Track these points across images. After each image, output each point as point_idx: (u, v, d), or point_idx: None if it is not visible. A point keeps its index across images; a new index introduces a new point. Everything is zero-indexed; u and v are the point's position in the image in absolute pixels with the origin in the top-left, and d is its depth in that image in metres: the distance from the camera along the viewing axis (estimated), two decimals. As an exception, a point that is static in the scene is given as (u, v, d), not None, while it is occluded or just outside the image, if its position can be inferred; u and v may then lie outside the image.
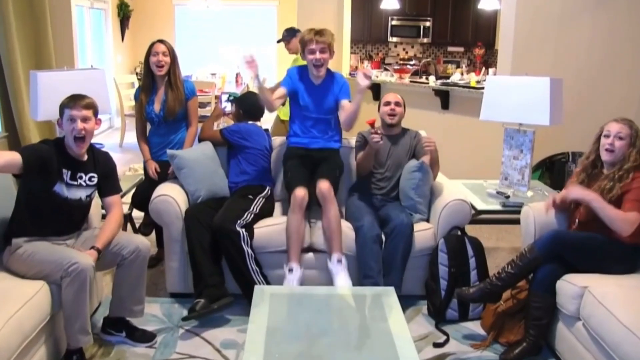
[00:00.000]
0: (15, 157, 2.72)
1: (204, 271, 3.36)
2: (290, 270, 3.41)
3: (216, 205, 3.58)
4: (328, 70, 3.84)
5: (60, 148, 2.92)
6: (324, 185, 3.51)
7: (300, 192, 3.48)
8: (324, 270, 3.57)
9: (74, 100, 2.90)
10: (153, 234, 4.20)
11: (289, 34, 5.72)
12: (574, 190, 3.09)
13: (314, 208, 3.63)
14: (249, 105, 4.03)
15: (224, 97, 4.27)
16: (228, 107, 4.16)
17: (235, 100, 4.19)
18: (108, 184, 3.13)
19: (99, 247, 2.90)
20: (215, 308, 3.28)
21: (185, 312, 3.37)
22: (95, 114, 2.97)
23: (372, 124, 3.52)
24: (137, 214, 4.21)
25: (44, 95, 3.72)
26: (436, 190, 3.79)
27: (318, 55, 3.67)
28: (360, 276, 3.44)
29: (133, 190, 4.17)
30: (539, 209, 3.38)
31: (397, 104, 3.86)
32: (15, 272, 2.81)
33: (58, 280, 2.70)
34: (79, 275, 2.66)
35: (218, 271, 3.42)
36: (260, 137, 3.93)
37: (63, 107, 2.92)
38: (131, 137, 8.38)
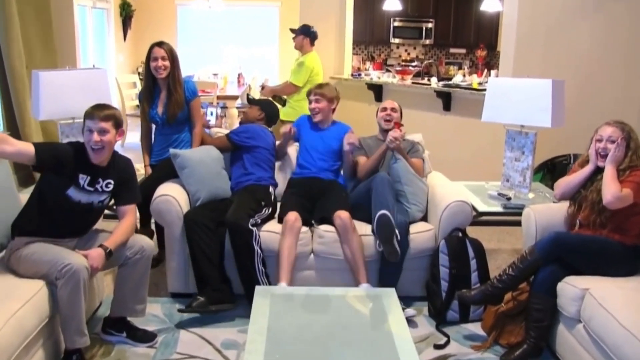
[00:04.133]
0: (28, 148, 2.73)
1: (208, 276, 3.38)
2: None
3: (216, 207, 3.58)
4: (336, 121, 4.13)
5: (81, 153, 2.91)
6: (343, 215, 3.49)
7: (291, 217, 3.48)
8: (323, 272, 3.58)
9: (94, 111, 2.88)
10: (154, 236, 4.19)
11: (300, 30, 5.64)
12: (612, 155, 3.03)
13: (316, 216, 3.62)
14: (272, 112, 4.25)
15: (209, 111, 4.28)
16: (212, 120, 4.21)
17: (258, 102, 4.31)
18: (126, 192, 3.08)
19: (110, 246, 2.87)
20: (212, 310, 3.31)
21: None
22: (117, 125, 2.93)
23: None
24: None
25: (46, 95, 3.72)
26: (437, 192, 3.78)
27: (313, 105, 4.02)
28: (376, 209, 3.39)
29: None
30: (540, 211, 3.38)
31: (392, 109, 4.01)
32: (15, 273, 2.81)
33: (54, 281, 2.69)
34: (73, 277, 2.65)
35: (223, 276, 3.43)
36: (267, 136, 4.00)
37: (85, 116, 2.90)
38: (133, 136, 8.42)
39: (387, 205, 3.38)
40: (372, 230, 3.46)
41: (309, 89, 4.12)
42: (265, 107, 4.22)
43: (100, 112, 2.88)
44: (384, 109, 4.01)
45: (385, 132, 3.94)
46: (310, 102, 4.03)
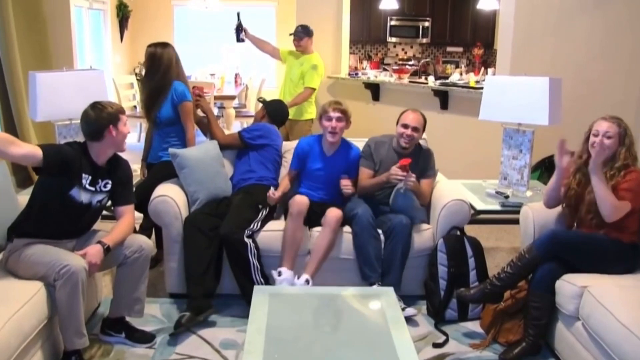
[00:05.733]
0: (36, 151, 2.72)
1: (195, 283, 3.35)
2: (279, 273, 3.41)
3: (216, 211, 3.57)
4: (345, 141, 3.87)
5: (84, 153, 2.93)
6: (334, 212, 3.52)
7: (301, 198, 3.52)
8: (321, 271, 3.56)
9: (121, 108, 3.01)
10: (153, 235, 4.20)
11: (304, 32, 5.54)
12: (593, 163, 2.97)
13: (314, 218, 3.62)
14: (278, 112, 4.21)
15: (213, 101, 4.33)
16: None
17: (265, 103, 4.29)
18: (123, 192, 3.12)
19: (108, 242, 2.88)
20: (201, 320, 3.28)
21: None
22: None
23: (404, 166, 3.49)
24: (137, 215, 4.20)
25: (43, 96, 3.72)
26: (435, 191, 3.78)
27: (334, 122, 3.69)
28: (360, 263, 3.48)
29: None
30: (538, 209, 3.39)
31: (415, 129, 3.66)
32: (14, 274, 2.80)
33: (52, 283, 2.69)
34: (71, 278, 2.65)
35: (207, 280, 3.36)
36: (278, 136, 4.01)
37: (119, 113, 2.96)
38: (130, 137, 8.42)
39: (373, 272, 3.44)
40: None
41: (323, 108, 3.76)
42: (268, 106, 4.20)
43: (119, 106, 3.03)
44: (405, 126, 3.66)
45: (402, 148, 3.72)
46: (329, 120, 3.69)
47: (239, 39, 5.60)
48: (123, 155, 3.14)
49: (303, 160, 3.86)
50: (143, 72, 4.02)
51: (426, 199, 3.74)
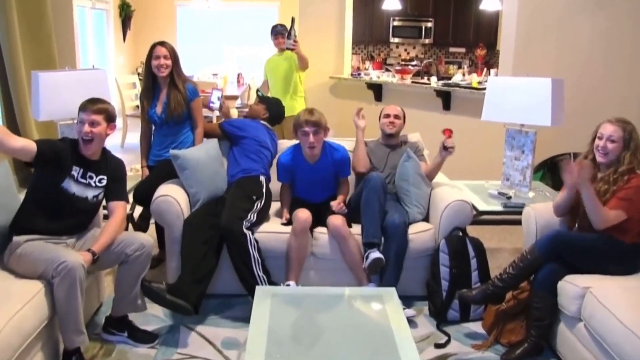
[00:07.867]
0: (31, 144, 2.81)
1: (182, 271, 3.34)
2: (288, 286, 3.43)
3: (215, 210, 3.57)
4: (325, 144, 3.77)
5: (75, 147, 3.00)
6: (335, 221, 3.51)
7: (303, 214, 3.49)
8: (323, 272, 3.59)
9: (88, 104, 2.99)
10: (154, 235, 4.19)
11: (286, 29, 5.61)
12: (579, 177, 2.95)
13: (315, 219, 3.61)
14: (276, 112, 4.30)
15: (216, 94, 4.29)
16: (216, 104, 4.25)
17: (264, 100, 4.37)
18: (115, 188, 3.15)
19: (95, 250, 2.89)
20: (166, 298, 3.11)
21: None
22: (109, 119, 3.03)
23: (449, 131, 3.71)
24: (137, 213, 4.21)
25: (46, 96, 3.73)
26: (437, 191, 3.79)
27: (312, 138, 3.61)
28: (365, 221, 3.48)
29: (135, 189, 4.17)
30: (540, 210, 3.38)
31: (396, 116, 4.00)
32: (15, 272, 2.81)
33: (51, 280, 2.69)
34: (69, 275, 2.65)
35: (200, 276, 3.31)
36: (258, 130, 4.04)
37: (79, 109, 3.00)
38: (132, 137, 8.42)
39: (376, 233, 3.42)
40: (363, 258, 3.46)
41: (297, 121, 3.66)
42: (271, 107, 4.27)
43: (93, 105, 2.99)
44: (387, 116, 4.01)
45: (388, 137, 4.00)
46: (306, 135, 3.60)
47: (288, 42, 5.46)
48: (118, 154, 3.20)
49: (291, 172, 3.80)
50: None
51: (431, 176, 3.86)
